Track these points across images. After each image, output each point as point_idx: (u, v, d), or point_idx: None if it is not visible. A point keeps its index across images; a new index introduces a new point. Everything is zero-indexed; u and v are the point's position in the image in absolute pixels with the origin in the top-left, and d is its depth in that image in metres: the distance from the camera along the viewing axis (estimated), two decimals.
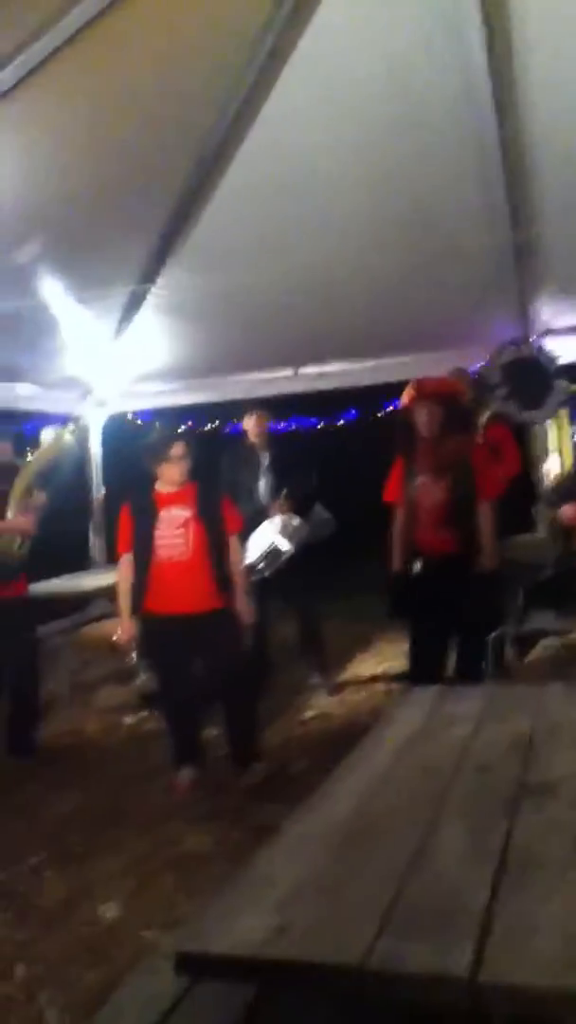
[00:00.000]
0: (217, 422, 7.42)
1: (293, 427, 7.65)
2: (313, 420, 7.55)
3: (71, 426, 5.76)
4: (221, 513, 3.97)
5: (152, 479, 3.98)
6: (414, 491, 4.24)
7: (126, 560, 3.93)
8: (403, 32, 4.50)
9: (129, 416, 7.64)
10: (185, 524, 3.83)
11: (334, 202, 5.58)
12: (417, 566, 4.20)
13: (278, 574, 4.90)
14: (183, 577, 3.80)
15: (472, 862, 1.61)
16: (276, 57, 4.78)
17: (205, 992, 1.80)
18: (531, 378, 5.36)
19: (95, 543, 7.40)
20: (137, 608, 3.87)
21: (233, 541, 4.00)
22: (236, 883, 1.64)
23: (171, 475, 3.90)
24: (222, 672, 3.94)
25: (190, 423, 7.21)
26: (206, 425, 7.70)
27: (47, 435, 4.86)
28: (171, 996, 1.80)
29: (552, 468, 6.44)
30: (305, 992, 1.47)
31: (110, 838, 3.42)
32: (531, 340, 5.86)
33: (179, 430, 4.26)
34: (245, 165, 5.45)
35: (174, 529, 3.82)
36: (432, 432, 4.21)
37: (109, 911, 2.90)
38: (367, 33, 4.52)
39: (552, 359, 5.58)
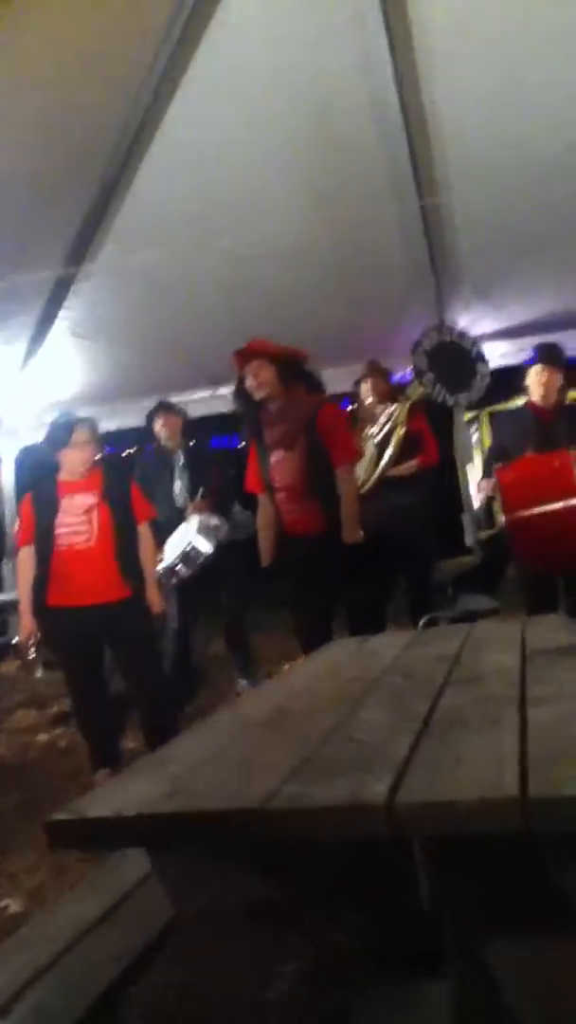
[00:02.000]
0: (136, 447, 7.23)
1: (213, 448, 7.52)
2: (235, 439, 7.44)
3: None
4: (130, 499, 3.80)
5: (56, 469, 3.81)
6: (269, 471, 3.90)
7: (26, 553, 3.71)
8: (308, 30, 4.56)
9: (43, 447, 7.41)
10: (89, 510, 3.65)
11: (246, 218, 5.56)
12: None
13: (204, 583, 4.72)
14: (88, 566, 3.60)
15: (393, 728, 1.45)
16: (177, 61, 4.79)
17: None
18: (455, 362, 5.35)
19: (7, 573, 7.09)
20: (41, 603, 3.64)
21: (144, 529, 3.82)
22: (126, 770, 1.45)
23: (75, 462, 3.73)
24: (135, 668, 3.73)
25: (107, 449, 7.01)
26: (124, 451, 7.52)
27: None
28: None
29: (475, 473, 6.45)
30: (202, 857, 1.27)
31: (22, 838, 3.14)
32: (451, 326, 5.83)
33: (81, 416, 4.03)
34: (150, 181, 5.40)
35: (78, 516, 3.63)
36: (269, 396, 3.84)
37: (13, 905, 2.63)
38: (270, 30, 4.56)
39: (473, 341, 5.59)
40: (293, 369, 3.90)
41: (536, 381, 4.14)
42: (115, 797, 1.23)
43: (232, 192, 5.45)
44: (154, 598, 3.75)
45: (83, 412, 6.97)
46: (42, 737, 4.55)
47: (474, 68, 4.75)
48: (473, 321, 6.32)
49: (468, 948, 1.30)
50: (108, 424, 7.08)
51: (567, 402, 4.43)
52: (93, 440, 3.76)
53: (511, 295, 6.03)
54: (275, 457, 3.88)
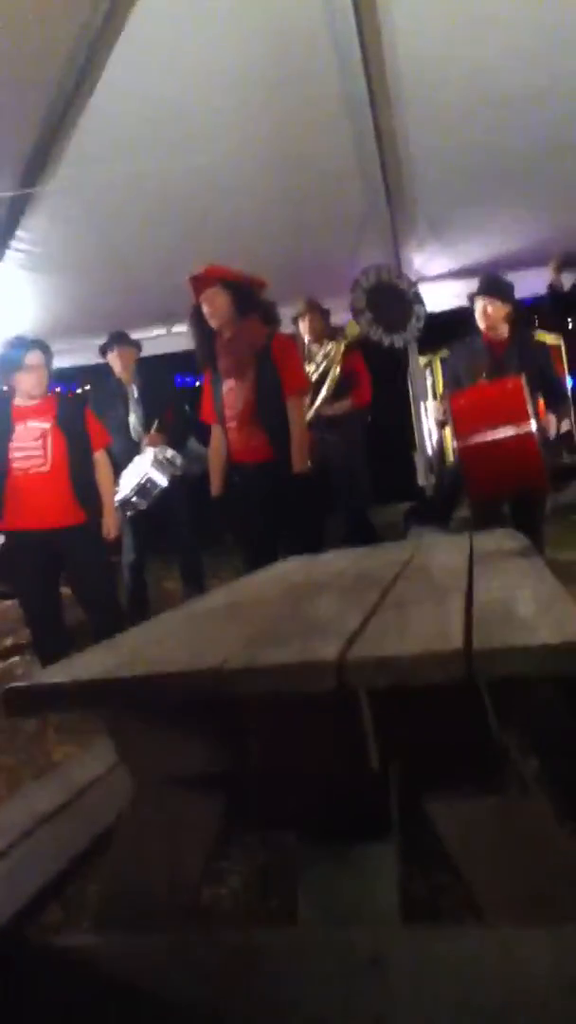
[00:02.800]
0: (88, 386, 7.16)
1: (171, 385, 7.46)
2: (190, 379, 7.41)
3: None
4: (85, 425, 3.80)
5: (9, 395, 3.79)
6: (222, 400, 3.89)
7: None
8: None
9: None
10: (43, 436, 3.65)
11: (203, 150, 5.46)
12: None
13: (159, 517, 4.75)
14: (42, 490, 3.60)
15: (345, 609, 1.49)
16: None
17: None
18: (393, 303, 5.37)
19: None
20: None
21: (100, 456, 3.83)
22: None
23: (27, 386, 3.72)
24: (89, 593, 3.76)
25: (59, 388, 6.93)
26: (77, 389, 7.45)
27: None
28: None
29: (431, 412, 6.50)
30: (160, 721, 1.30)
31: None
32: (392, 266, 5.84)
33: (33, 339, 3.99)
34: (102, 107, 5.28)
35: (32, 441, 3.63)
36: (223, 324, 3.82)
37: None
38: None
39: (411, 283, 5.61)
40: (248, 297, 3.86)
41: (479, 312, 4.18)
42: (73, 667, 1.27)
43: (185, 123, 5.35)
44: (110, 522, 3.77)
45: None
46: None
47: (437, 6, 4.71)
48: (427, 260, 6.34)
49: (412, 807, 1.37)
50: (61, 361, 7.00)
51: (531, 342, 4.49)
52: (46, 363, 3.74)
53: (465, 234, 6.05)
54: (227, 386, 3.87)
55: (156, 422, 4.81)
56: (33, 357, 3.71)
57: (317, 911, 1.30)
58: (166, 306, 6.75)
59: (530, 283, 6.25)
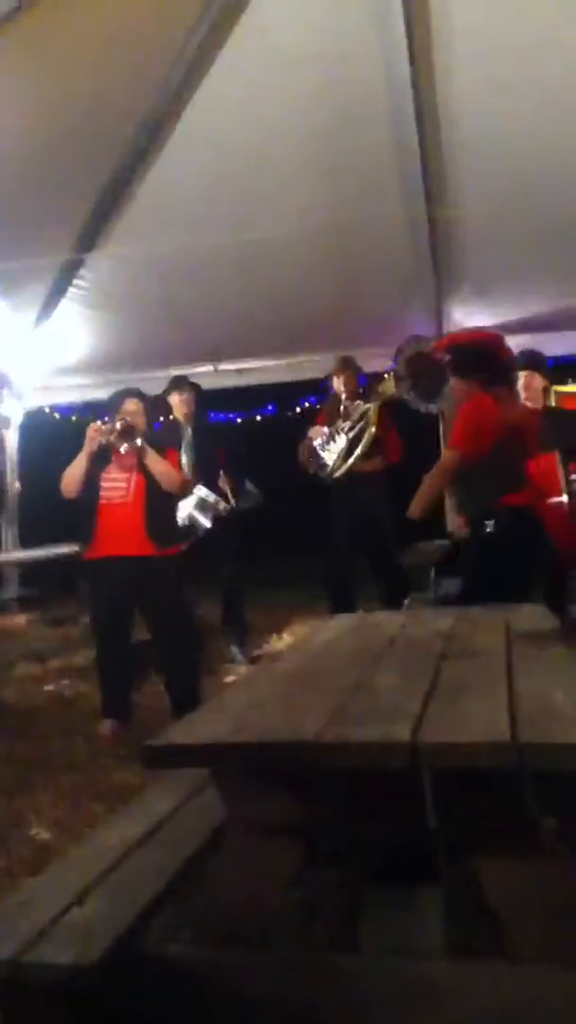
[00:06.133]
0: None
1: (210, 422, 7.77)
2: (232, 415, 7.72)
3: None
4: None
5: None
6: None
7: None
8: (331, 32, 4.80)
9: (47, 410, 7.68)
10: (130, 471, 4.06)
11: (256, 201, 5.80)
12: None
13: (204, 553, 5.06)
14: (124, 521, 4.01)
15: (406, 689, 1.78)
16: (204, 53, 5.01)
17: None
18: (429, 372, 5.66)
19: (7, 533, 7.37)
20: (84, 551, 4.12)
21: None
22: (192, 714, 1.77)
23: None
24: (165, 622, 4.09)
25: (107, 418, 7.27)
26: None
27: None
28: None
29: None
30: (260, 777, 1.59)
31: (38, 778, 3.44)
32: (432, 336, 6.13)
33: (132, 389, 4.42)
34: (170, 161, 5.64)
35: (119, 474, 4.06)
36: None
37: (42, 834, 2.94)
38: (296, 31, 4.80)
39: (444, 355, 5.90)
40: (461, 360, 4.09)
41: (522, 385, 4.46)
42: (194, 730, 1.56)
43: (244, 183, 5.69)
44: None
45: (87, 380, 7.31)
46: (48, 688, 4.85)
47: (489, 80, 5.00)
48: (467, 315, 6.62)
49: (459, 861, 1.65)
50: (109, 394, 7.31)
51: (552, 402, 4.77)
52: (141, 411, 4.28)
53: (507, 296, 6.33)
54: None
55: (222, 473, 5.14)
56: (131, 404, 4.23)
57: (376, 941, 1.58)
58: (213, 345, 7.09)
59: (567, 341, 6.58)
